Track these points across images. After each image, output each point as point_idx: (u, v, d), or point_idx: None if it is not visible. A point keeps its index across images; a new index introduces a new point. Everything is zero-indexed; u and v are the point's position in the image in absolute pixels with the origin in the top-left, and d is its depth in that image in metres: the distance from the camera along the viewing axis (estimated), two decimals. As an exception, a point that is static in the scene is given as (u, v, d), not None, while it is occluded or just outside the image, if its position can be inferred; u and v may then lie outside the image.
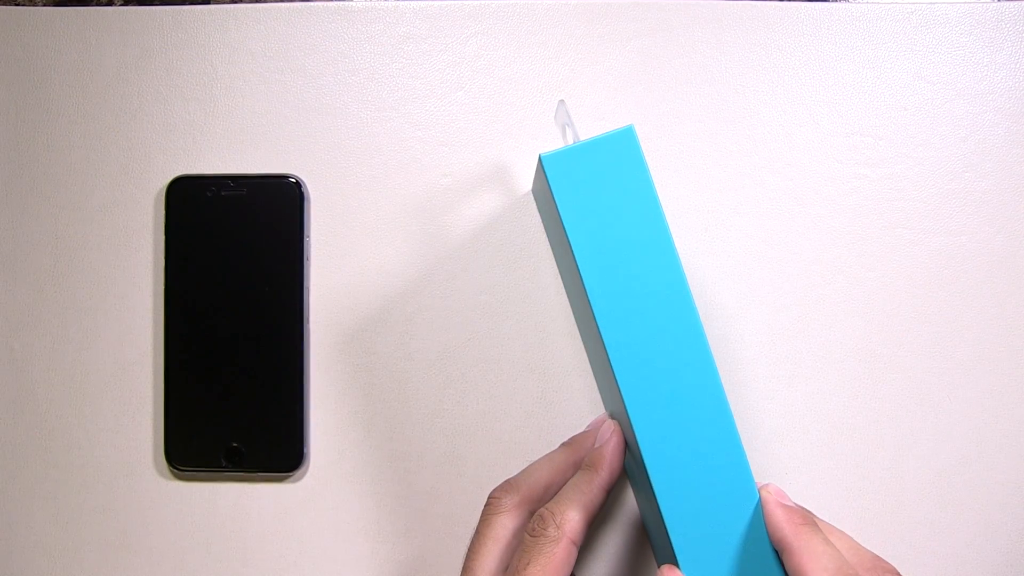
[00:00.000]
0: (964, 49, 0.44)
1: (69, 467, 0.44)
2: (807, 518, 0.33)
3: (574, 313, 0.43)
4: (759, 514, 0.34)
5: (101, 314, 0.45)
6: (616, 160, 0.34)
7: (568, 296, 0.43)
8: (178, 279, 0.44)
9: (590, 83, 0.44)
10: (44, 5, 0.45)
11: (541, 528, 0.35)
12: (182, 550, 0.44)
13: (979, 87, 0.44)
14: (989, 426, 0.43)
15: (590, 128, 0.44)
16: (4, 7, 0.45)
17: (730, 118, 0.44)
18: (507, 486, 0.38)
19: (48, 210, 0.45)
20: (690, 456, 0.34)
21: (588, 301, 0.34)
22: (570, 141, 0.38)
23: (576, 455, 0.39)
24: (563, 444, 0.40)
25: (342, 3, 0.45)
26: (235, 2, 0.45)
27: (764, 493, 0.34)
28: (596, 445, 0.38)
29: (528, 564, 0.34)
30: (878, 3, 0.44)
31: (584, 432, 0.40)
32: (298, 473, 0.44)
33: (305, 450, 0.44)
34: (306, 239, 0.44)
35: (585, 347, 0.44)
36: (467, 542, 0.42)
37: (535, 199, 0.44)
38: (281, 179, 0.44)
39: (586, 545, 0.44)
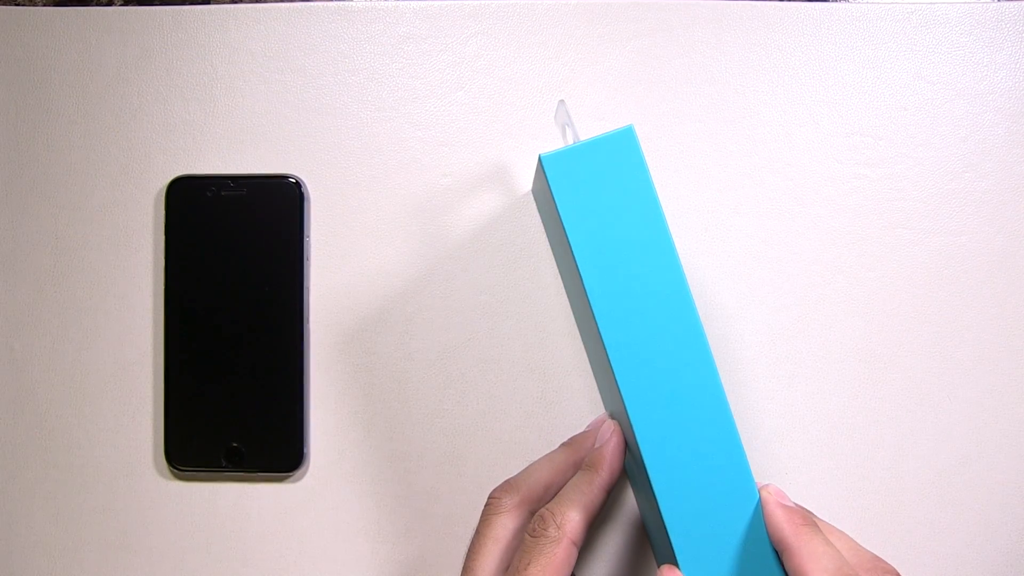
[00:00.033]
0: (964, 49, 0.44)
1: (69, 467, 0.44)
2: (807, 518, 0.33)
3: (574, 313, 0.43)
4: (759, 514, 0.34)
5: (101, 314, 0.45)
6: (616, 160, 0.34)
7: (568, 296, 0.43)
8: (178, 279, 0.44)
9: (590, 83, 0.44)
10: (44, 5, 0.45)
11: (541, 528, 0.35)
12: (182, 550, 0.44)
13: (979, 87, 0.44)
14: (989, 426, 0.43)
15: (590, 128, 0.44)
16: (4, 7, 0.45)
17: (730, 118, 0.44)
18: (507, 486, 0.38)
19: (48, 210, 0.45)
20: (690, 456, 0.34)
21: (588, 301, 0.34)
22: (570, 141, 0.38)
23: (576, 455, 0.39)
24: (563, 444, 0.40)
25: (342, 3, 0.45)
26: (235, 2, 0.45)
27: (764, 493, 0.34)
28: (596, 445, 0.38)
29: (528, 564, 0.34)
30: (878, 3, 0.44)
31: (584, 432, 0.40)
32: (298, 473, 0.44)
33: (305, 450, 0.44)
34: (306, 239, 0.44)
35: (585, 347, 0.44)
36: (467, 542, 0.42)
37: (535, 199, 0.44)
38: (281, 179, 0.44)
39: (586, 545, 0.44)
